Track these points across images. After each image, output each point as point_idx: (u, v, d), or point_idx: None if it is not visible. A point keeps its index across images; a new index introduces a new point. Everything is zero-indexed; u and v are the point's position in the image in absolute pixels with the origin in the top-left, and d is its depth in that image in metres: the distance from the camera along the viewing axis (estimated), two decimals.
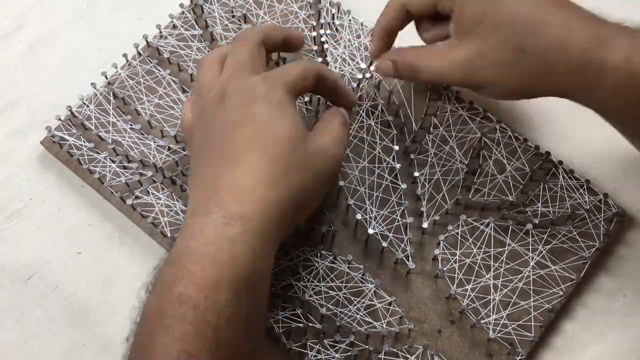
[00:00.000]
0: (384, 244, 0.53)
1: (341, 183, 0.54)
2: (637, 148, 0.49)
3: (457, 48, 0.48)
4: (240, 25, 0.61)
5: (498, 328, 0.51)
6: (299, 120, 0.47)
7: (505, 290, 0.52)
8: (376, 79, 0.58)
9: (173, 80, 0.59)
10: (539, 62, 0.45)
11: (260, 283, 0.43)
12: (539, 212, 0.54)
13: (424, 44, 0.53)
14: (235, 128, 0.45)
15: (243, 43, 0.50)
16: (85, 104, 0.57)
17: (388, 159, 0.56)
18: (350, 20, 0.61)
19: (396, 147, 0.56)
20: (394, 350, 0.50)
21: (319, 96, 0.57)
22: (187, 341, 0.39)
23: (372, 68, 0.57)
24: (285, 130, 0.45)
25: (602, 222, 0.54)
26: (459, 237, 0.54)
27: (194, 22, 0.61)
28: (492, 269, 0.53)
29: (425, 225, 0.54)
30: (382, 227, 0.54)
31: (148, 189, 0.55)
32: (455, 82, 0.52)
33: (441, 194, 0.55)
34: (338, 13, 0.61)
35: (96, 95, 0.58)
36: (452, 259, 0.53)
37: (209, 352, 0.39)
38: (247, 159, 0.44)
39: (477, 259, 0.53)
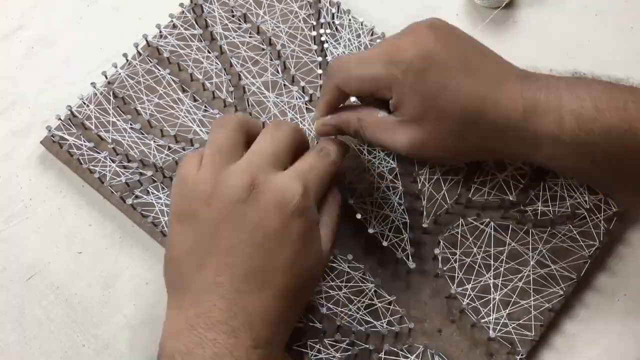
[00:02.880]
0: (384, 244, 0.53)
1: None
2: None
3: (402, 130, 0.48)
4: (240, 24, 0.61)
5: (498, 327, 0.51)
6: (322, 244, 0.46)
7: (506, 290, 0.52)
8: None
9: (173, 80, 0.59)
10: (479, 145, 0.48)
11: None
12: (539, 211, 0.54)
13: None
14: (270, 243, 0.43)
15: (278, 130, 0.46)
16: (85, 103, 0.57)
17: (388, 159, 0.56)
18: (350, 20, 0.61)
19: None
20: (394, 349, 0.50)
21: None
22: None
23: (313, 127, 0.53)
24: (318, 260, 0.45)
25: (602, 222, 0.54)
26: (459, 237, 0.54)
27: (194, 22, 0.61)
28: (492, 268, 0.53)
29: (425, 224, 0.54)
30: (382, 227, 0.54)
31: (148, 189, 0.55)
32: (400, 152, 0.51)
33: (441, 193, 0.55)
34: (338, 12, 0.61)
35: (96, 94, 0.58)
36: (452, 258, 0.53)
37: None
38: (279, 284, 0.43)
39: (477, 258, 0.53)
